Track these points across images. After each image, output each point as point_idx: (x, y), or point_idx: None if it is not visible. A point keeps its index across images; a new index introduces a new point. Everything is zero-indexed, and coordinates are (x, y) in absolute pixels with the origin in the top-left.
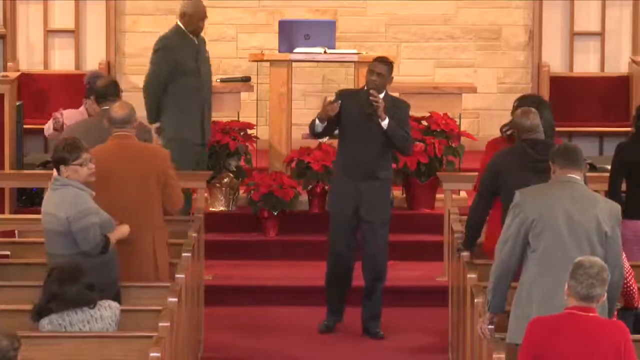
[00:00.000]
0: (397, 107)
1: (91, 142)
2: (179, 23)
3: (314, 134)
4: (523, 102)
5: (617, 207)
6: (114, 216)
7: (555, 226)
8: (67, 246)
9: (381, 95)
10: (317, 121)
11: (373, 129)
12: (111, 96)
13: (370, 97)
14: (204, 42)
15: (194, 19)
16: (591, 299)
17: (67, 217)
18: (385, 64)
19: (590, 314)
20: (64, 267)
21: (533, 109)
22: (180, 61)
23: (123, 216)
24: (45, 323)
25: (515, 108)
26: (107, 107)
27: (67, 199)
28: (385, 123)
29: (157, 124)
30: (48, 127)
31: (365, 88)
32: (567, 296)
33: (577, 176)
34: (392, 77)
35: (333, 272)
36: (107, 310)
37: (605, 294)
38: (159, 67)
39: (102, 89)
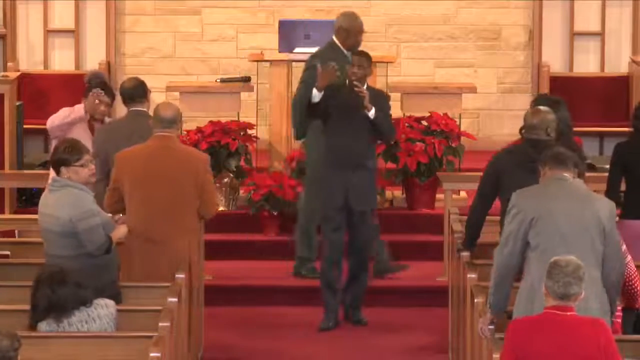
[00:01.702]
0: (377, 98)
1: (113, 145)
2: (334, 38)
3: (308, 106)
4: (538, 101)
5: (612, 204)
6: (150, 216)
7: (554, 223)
8: (70, 247)
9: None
10: (315, 91)
11: (358, 120)
12: (139, 97)
13: (356, 89)
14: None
15: (350, 34)
16: (568, 297)
17: (70, 219)
18: (365, 57)
19: (569, 313)
20: (49, 274)
21: (544, 109)
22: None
23: (160, 216)
24: (43, 325)
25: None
26: (134, 109)
27: (69, 200)
28: (372, 113)
29: (303, 140)
30: (69, 114)
31: (347, 82)
32: (545, 296)
33: (567, 175)
34: (372, 70)
35: (327, 269)
36: (104, 309)
37: (583, 292)
38: (307, 84)
39: (129, 90)
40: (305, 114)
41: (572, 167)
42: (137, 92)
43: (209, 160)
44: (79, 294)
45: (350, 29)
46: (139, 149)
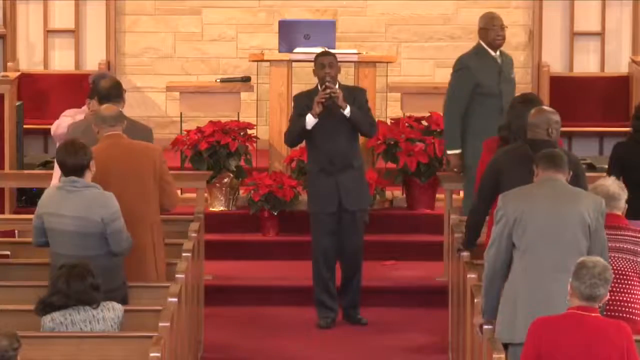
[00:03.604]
0: (354, 95)
1: (90, 142)
2: (480, 40)
3: (301, 132)
4: (514, 100)
5: (600, 200)
6: None
7: (536, 223)
8: (91, 248)
9: (335, 86)
10: (309, 118)
11: (337, 122)
12: (114, 97)
13: (328, 90)
14: (511, 63)
15: (488, 32)
16: (594, 299)
17: (102, 219)
18: (332, 55)
19: (593, 314)
20: (74, 265)
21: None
22: (480, 82)
23: (125, 214)
24: (47, 320)
25: (510, 107)
26: None
27: (99, 201)
28: (347, 111)
29: (457, 151)
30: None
31: (319, 83)
32: (570, 296)
33: (558, 176)
34: (340, 67)
35: (325, 270)
36: (110, 312)
37: (608, 294)
38: (457, 89)
39: (105, 89)
40: (298, 139)
41: (566, 167)
42: (113, 91)
43: (163, 151)
44: (87, 294)
45: (485, 27)
46: (94, 151)
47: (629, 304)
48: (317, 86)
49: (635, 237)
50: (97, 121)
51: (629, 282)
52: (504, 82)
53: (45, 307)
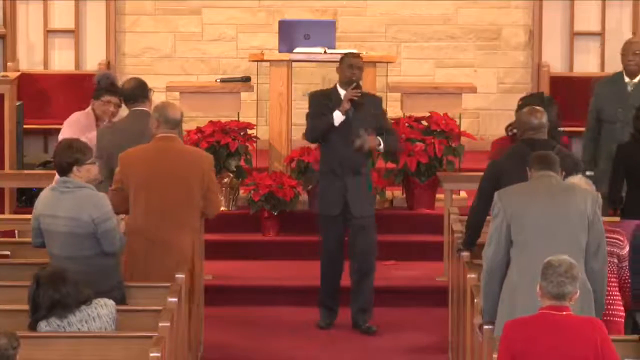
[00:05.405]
0: (374, 102)
1: (118, 145)
2: (622, 66)
3: (327, 129)
4: (528, 100)
5: (596, 193)
6: (157, 216)
7: (533, 218)
8: (85, 248)
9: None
10: (338, 114)
11: (350, 126)
12: (141, 97)
13: (353, 95)
14: None
15: (623, 56)
16: (563, 297)
17: (93, 220)
18: (361, 58)
19: (564, 313)
20: (50, 273)
21: (541, 108)
22: (602, 108)
23: (166, 217)
24: (43, 325)
25: (519, 107)
26: (137, 109)
27: (91, 201)
28: (381, 147)
29: (589, 173)
30: (84, 131)
31: (342, 81)
32: (540, 297)
33: (552, 174)
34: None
35: (328, 271)
36: (104, 309)
37: (578, 292)
38: (589, 114)
39: (130, 90)
40: (321, 136)
41: (558, 168)
42: (139, 92)
43: (213, 160)
44: (80, 292)
45: (621, 52)
46: (144, 149)
47: (608, 306)
48: (335, 85)
49: (612, 237)
50: (160, 119)
51: (608, 283)
52: (631, 110)
53: (40, 320)
